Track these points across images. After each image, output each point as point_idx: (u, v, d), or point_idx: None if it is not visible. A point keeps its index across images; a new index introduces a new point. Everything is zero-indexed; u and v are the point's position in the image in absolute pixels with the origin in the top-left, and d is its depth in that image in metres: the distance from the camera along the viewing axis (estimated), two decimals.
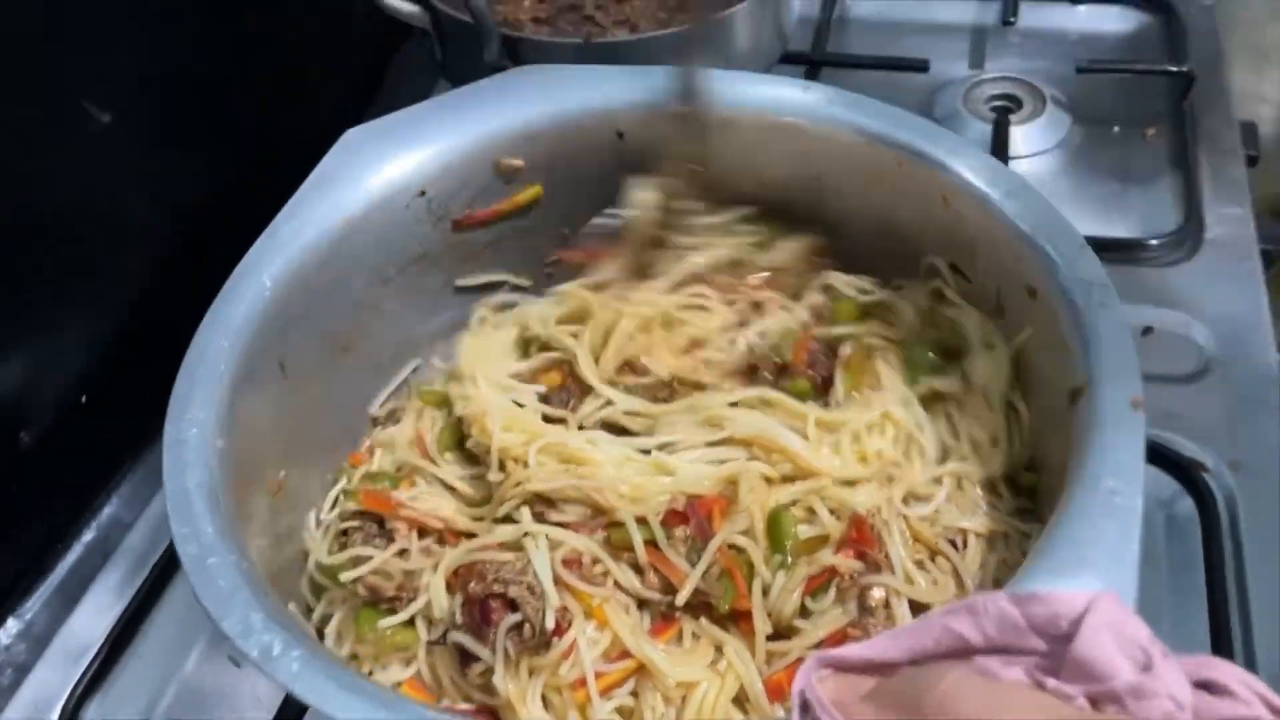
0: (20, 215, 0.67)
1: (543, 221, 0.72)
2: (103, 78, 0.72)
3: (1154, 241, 0.82)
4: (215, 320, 0.57)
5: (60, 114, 0.70)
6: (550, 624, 0.52)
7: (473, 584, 0.54)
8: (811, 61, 0.99)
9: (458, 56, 0.90)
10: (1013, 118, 0.94)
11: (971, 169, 0.60)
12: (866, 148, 0.64)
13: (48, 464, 0.74)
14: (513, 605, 0.53)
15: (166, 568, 0.70)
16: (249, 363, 0.57)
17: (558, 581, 0.53)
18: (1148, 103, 0.96)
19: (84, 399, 0.76)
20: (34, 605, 0.73)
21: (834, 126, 0.65)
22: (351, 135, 0.67)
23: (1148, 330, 0.76)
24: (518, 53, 0.83)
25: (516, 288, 0.73)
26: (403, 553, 0.59)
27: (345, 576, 0.57)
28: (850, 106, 0.65)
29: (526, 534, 0.55)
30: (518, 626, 0.52)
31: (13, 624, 0.72)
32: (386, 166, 0.65)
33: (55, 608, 0.73)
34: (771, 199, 0.69)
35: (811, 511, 0.56)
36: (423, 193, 0.66)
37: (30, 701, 0.68)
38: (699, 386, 0.63)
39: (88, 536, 0.77)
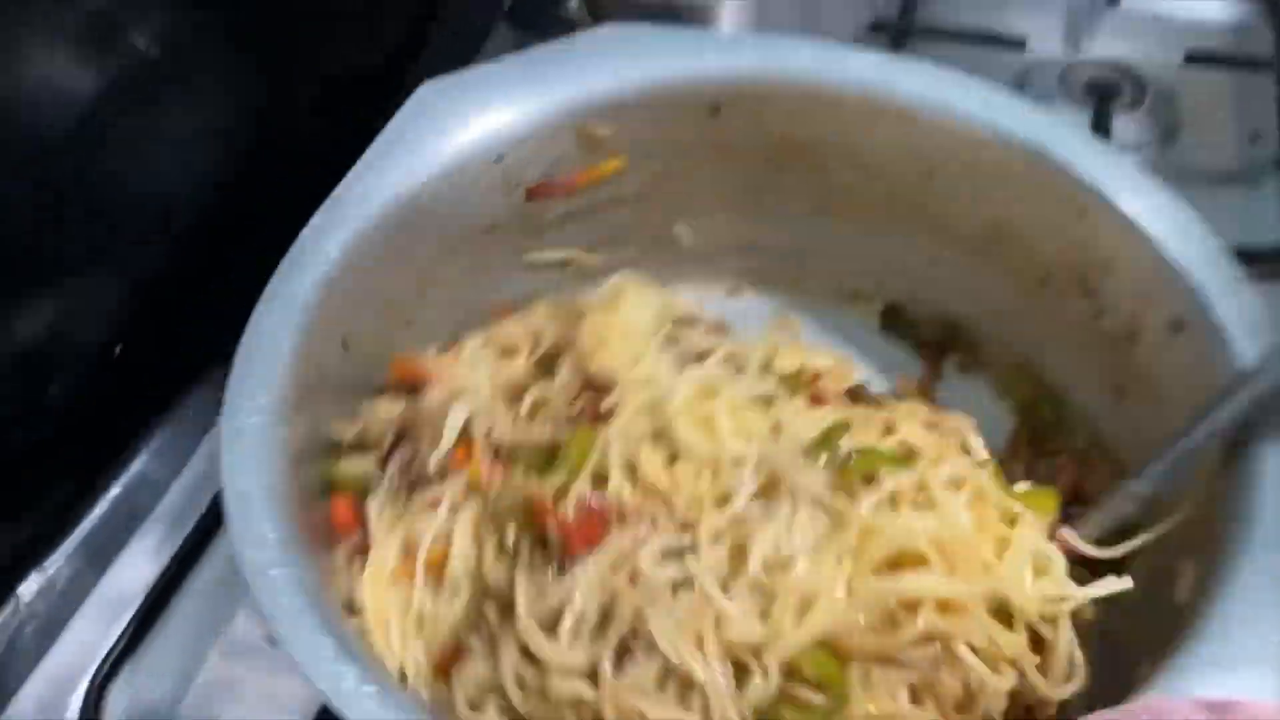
0: (49, 149, 0.62)
1: (619, 196, 0.67)
2: (145, 8, 0.67)
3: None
4: (276, 296, 0.52)
5: (100, 45, 0.65)
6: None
7: None
8: (901, 30, 0.93)
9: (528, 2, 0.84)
10: (1113, 106, 0.88)
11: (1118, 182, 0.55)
12: (992, 145, 0.58)
13: (77, 416, 0.70)
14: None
15: (206, 531, 0.67)
16: (312, 342, 0.52)
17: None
18: (1256, 101, 0.90)
19: (118, 350, 0.71)
20: (58, 561, 0.70)
21: (953, 117, 0.60)
22: (426, 91, 0.61)
23: None
24: (599, 6, 0.77)
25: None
26: None
27: None
28: (971, 94, 0.59)
29: None
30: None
31: (35, 579, 0.69)
32: (464, 129, 0.59)
33: (81, 565, 0.70)
34: (874, 191, 0.64)
35: None
36: (500, 158, 0.61)
37: (52, 671, 0.64)
38: None
39: (115, 492, 0.73)
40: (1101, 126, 0.85)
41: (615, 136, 0.64)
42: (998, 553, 0.46)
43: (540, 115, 0.62)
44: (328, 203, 0.56)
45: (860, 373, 0.63)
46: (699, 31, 0.64)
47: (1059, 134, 0.57)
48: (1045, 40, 0.96)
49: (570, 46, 0.64)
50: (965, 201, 0.61)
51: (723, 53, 0.63)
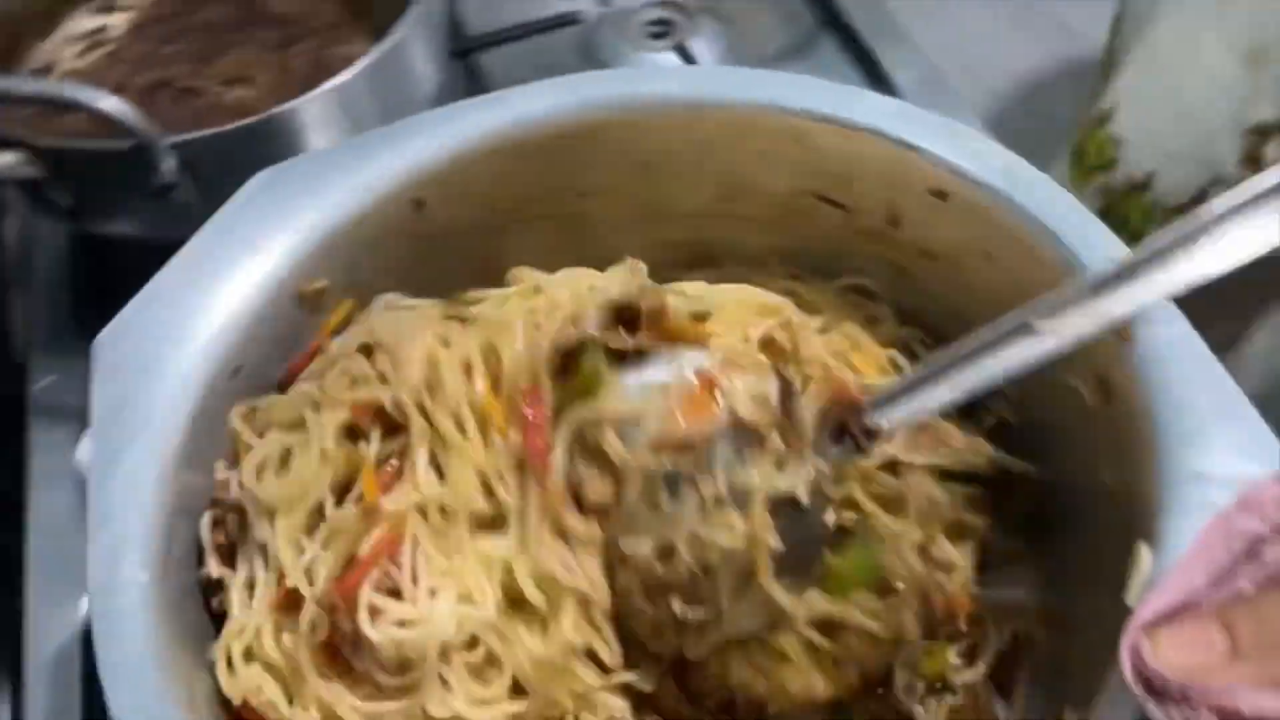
0: None
1: None
2: None
3: None
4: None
5: None
6: None
7: None
8: (469, 49, 0.91)
9: (96, 191, 0.71)
10: (683, 40, 0.93)
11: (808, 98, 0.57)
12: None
13: None
14: None
15: None
16: None
17: None
18: None
19: None
20: None
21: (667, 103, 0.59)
22: None
23: None
24: (196, 162, 0.67)
25: None
26: None
27: None
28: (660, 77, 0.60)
29: None
30: None
31: None
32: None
33: None
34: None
35: None
36: (238, 369, 0.53)
37: None
38: None
39: None
40: (688, 59, 0.89)
41: (333, 282, 0.57)
42: None
43: (250, 315, 0.53)
44: None
45: None
46: (365, 136, 0.58)
47: (731, 82, 0.59)
48: (583, 5, 0.98)
49: (237, 218, 0.55)
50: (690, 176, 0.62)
51: (415, 142, 0.58)
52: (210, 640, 0.50)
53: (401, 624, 0.46)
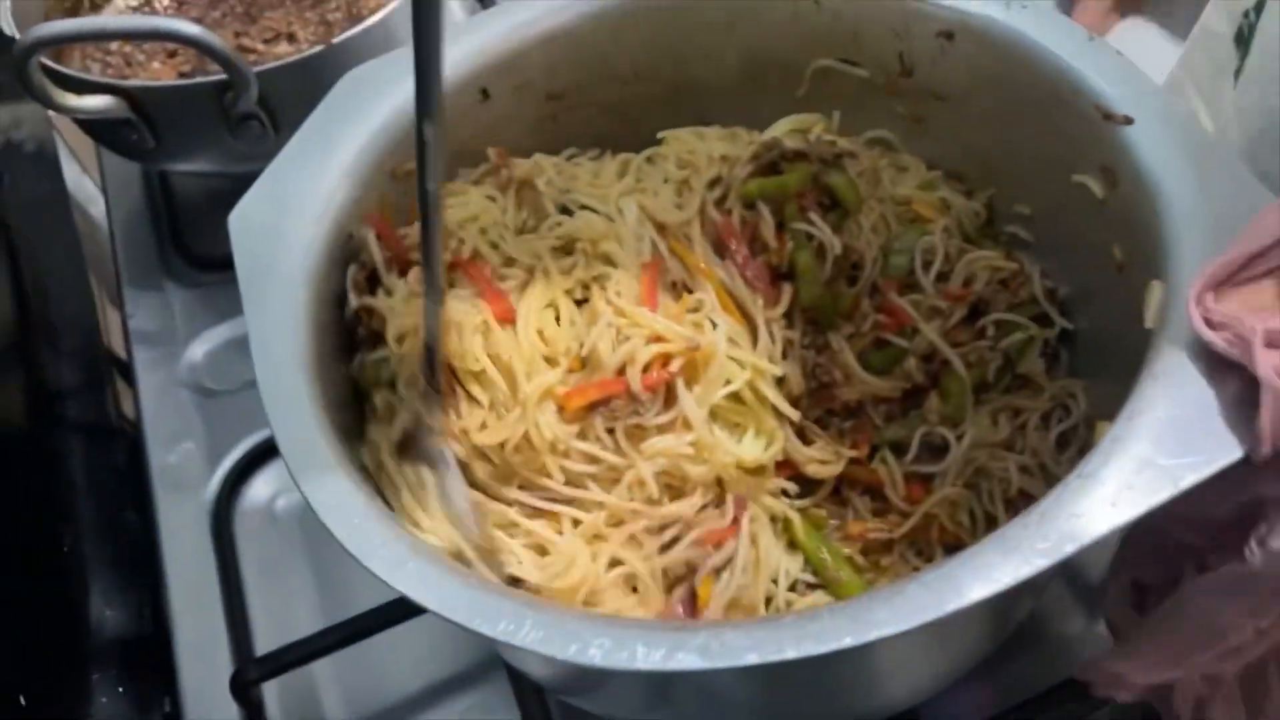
0: None
1: None
2: None
3: None
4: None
5: None
6: None
7: None
8: None
9: (179, 129, 0.78)
10: None
11: None
12: None
13: None
14: None
15: None
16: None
17: None
18: None
19: None
20: None
21: None
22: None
23: None
24: (270, 93, 0.74)
25: None
26: None
27: None
28: None
29: None
30: None
31: None
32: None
33: None
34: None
35: None
36: (350, 236, 0.60)
37: None
38: None
39: None
40: None
41: None
42: None
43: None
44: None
45: None
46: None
47: None
48: None
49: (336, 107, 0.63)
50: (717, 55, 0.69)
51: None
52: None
53: None
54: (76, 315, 0.93)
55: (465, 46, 0.65)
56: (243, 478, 0.75)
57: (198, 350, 0.82)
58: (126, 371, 0.86)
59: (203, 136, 0.78)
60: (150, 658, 0.71)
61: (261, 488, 0.75)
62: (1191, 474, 0.41)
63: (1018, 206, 0.67)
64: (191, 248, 0.88)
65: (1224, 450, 0.41)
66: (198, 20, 0.95)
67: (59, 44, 0.73)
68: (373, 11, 0.90)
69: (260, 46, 0.94)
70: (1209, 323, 0.42)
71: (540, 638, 0.42)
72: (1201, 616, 0.47)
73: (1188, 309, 0.43)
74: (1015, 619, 0.59)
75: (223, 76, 0.72)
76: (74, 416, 0.87)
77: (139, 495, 0.77)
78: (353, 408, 0.58)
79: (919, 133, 0.69)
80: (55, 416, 0.86)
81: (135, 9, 0.95)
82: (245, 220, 0.57)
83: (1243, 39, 0.64)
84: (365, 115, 0.62)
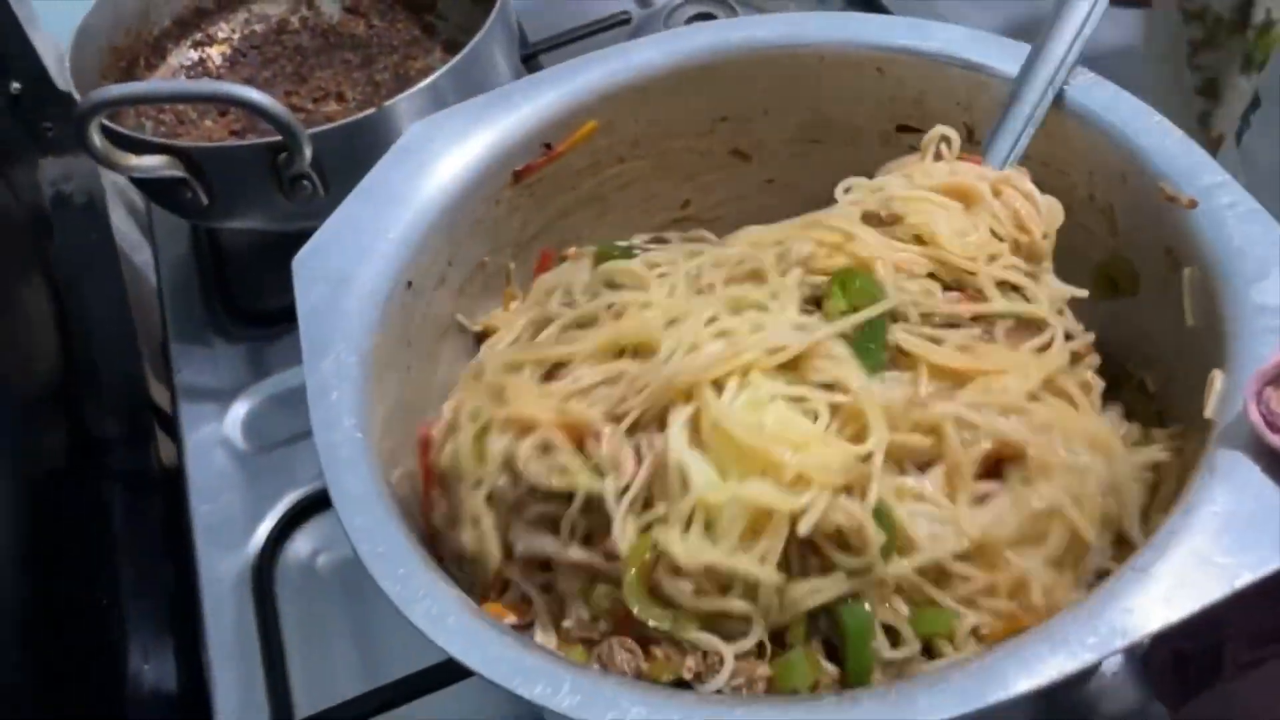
0: None
1: None
2: None
3: None
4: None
5: None
6: None
7: None
8: (534, 54, 1.00)
9: (232, 188, 0.79)
10: None
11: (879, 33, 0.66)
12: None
13: None
14: None
15: None
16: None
17: None
18: None
19: None
20: None
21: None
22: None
23: None
24: (323, 154, 0.75)
25: None
26: None
27: None
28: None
29: None
30: None
31: None
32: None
33: None
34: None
35: None
36: (409, 283, 0.61)
37: None
38: None
39: None
40: None
41: None
42: None
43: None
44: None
45: None
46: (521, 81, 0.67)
47: (815, 24, 0.67)
48: (633, 5, 1.08)
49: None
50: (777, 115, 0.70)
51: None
52: None
53: None
54: (121, 366, 0.94)
55: (530, 104, 0.66)
56: (285, 534, 0.75)
57: (242, 405, 0.83)
58: (169, 424, 0.86)
59: (255, 196, 0.79)
60: (188, 714, 0.71)
61: (304, 544, 0.75)
62: (1247, 573, 0.40)
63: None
64: (238, 302, 0.89)
65: None
66: (249, 79, 0.98)
67: (121, 106, 0.75)
68: (420, 73, 0.92)
69: (310, 106, 0.95)
70: (1269, 422, 0.42)
71: (577, 702, 0.42)
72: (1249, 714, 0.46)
73: (1246, 405, 0.43)
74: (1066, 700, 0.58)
75: (276, 137, 0.74)
76: (116, 467, 0.87)
77: (180, 549, 0.78)
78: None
79: None
80: (98, 467, 0.87)
81: (189, 67, 0.97)
82: (309, 265, 0.58)
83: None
84: (436, 164, 0.63)
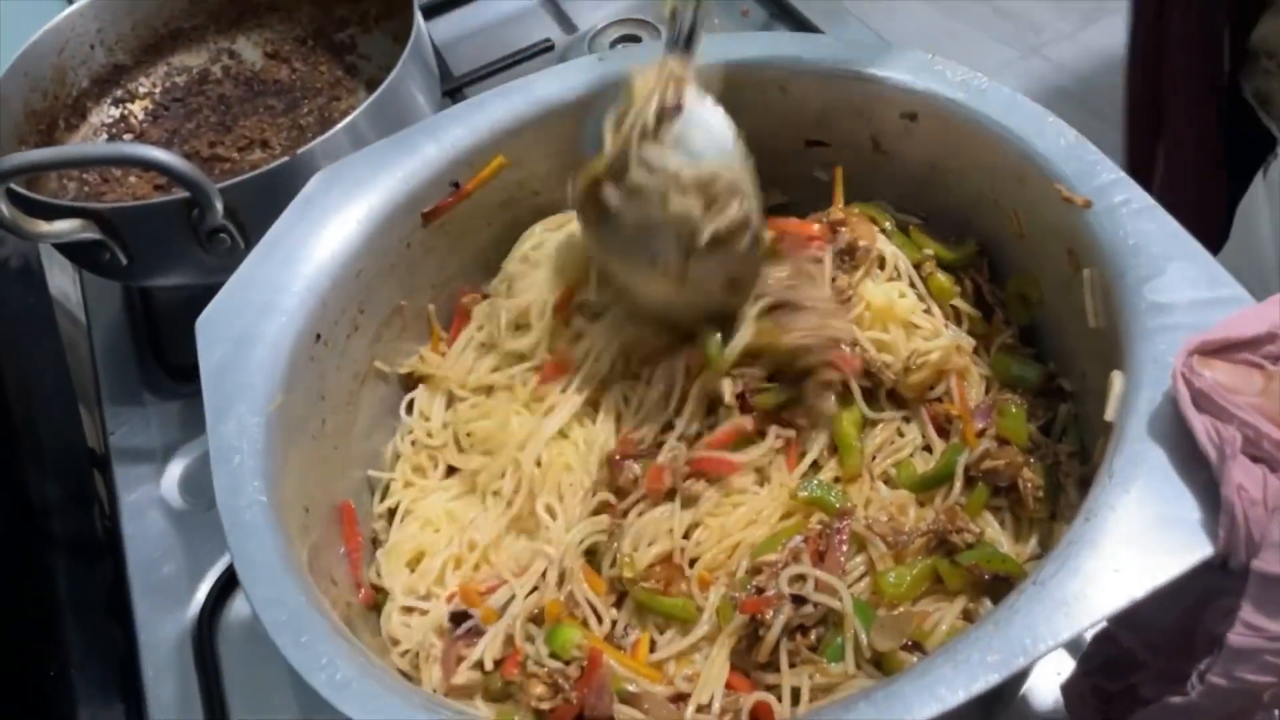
0: None
1: None
2: None
3: None
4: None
5: None
6: None
7: None
8: (459, 87, 0.99)
9: (150, 247, 0.78)
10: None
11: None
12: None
13: None
14: None
15: None
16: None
17: None
18: None
19: None
20: None
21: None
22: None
23: None
24: (238, 206, 0.75)
25: None
26: None
27: None
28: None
29: None
30: None
31: None
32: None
33: None
34: None
35: None
36: (318, 336, 0.60)
37: None
38: None
39: None
40: None
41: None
42: None
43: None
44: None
45: None
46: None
47: (719, 45, 0.66)
48: (554, 32, 1.07)
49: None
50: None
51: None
52: None
53: None
54: (61, 428, 0.93)
55: (434, 145, 0.66)
56: (226, 592, 0.74)
57: (179, 464, 0.82)
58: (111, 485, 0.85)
59: (174, 252, 0.78)
60: None
61: (246, 604, 0.74)
62: (1149, 580, 0.40)
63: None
64: (171, 359, 0.88)
65: (1182, 557, 0.40)
66: (173, 133, 0.97)
67: (27, 174, 0.74)
68: (345, 115, 0.91)
69: (235, 155, 0.95)
70: (1192, 396, 0.41)
71: None
72: None
73: (1173, 379, 0.42)
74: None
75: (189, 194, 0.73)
76: (59, 533, 0.86)
77: (125, 612, 0.76)
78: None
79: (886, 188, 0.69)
80: (40, 534, 0.86)
81: (110, 125, 0.97)
82: (211, 327, 0.58)
83: None
84: (339, 213, 0.63)
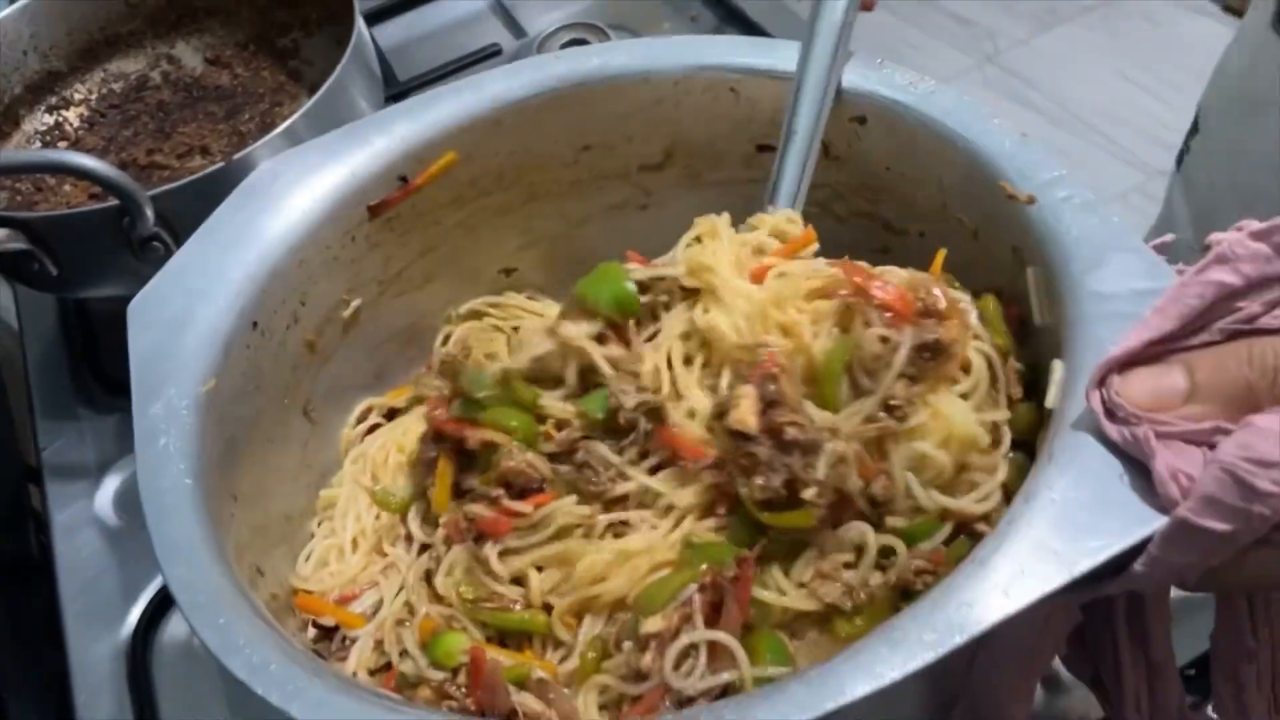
0: None
1: None
2: None
3: None
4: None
5: None
6: None
7: None
8: (404, 91, 0.98)
9: (81, 257, 0.76)
10: None
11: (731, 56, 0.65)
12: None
13: None
14: None
15: None
16: None
17: None
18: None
19: None
20: None
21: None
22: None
23: None
24: (171, 213, 0.72)
25: None
26: None
27: None
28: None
29: None
30: None
31: None
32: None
33: None
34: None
35: None
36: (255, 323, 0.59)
37: None
38: None
39: None
40: None
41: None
42: None
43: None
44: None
45: None
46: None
47: (671, 49, 0.66)
48: (503, 36, 1.06)
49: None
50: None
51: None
52: None
53: None
54: None
55: (384, 138, 0.64)
56: (161, 612, 0.72)
57: (114, 479, 0.79)
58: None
59: (106, 262, 0.76)
60: None
61: (180, 622, 0.72)
62: (1087, 559, 0.39)
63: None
64: (108, 372, 0.86)
65: (1120, 536, 0.40)
66: (109, 140, 0.95)
67: None
68: (285, 119, 0.90)
69: (174, 162, 0.92)
70: (1109, 410, 0.41)
71: None
72: None
73: (1087, 394, 0.41)
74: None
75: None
76: None
77: (56, 634, 0.74)
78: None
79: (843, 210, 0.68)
80: None
81: (44, 132, 0.94)
82: (144, 311, 0.56)
83: None
84: (282, 201, 0.61)
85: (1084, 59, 2.44)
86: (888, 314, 0.50)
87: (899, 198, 0.64)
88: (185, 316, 0.56)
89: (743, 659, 0.46)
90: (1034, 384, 0.55)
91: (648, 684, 0.46)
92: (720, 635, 0.46)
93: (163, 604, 0.72)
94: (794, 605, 0.48)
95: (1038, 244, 0.53)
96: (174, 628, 0.71)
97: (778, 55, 0.64)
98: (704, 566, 0.48)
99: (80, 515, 0.77)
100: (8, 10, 0.92)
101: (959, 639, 0.39)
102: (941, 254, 0.58)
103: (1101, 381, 0.42)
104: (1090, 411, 0.42)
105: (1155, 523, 0.40)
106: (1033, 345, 0.55)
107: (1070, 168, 0.54)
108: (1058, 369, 0.47)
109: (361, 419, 0.68)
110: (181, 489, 0.50)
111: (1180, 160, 0.92)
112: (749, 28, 1.01)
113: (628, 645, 0.47)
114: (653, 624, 0.46)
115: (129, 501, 0.78)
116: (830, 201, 0.68)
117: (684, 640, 0.46)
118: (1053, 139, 2.17)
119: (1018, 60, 2.46)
